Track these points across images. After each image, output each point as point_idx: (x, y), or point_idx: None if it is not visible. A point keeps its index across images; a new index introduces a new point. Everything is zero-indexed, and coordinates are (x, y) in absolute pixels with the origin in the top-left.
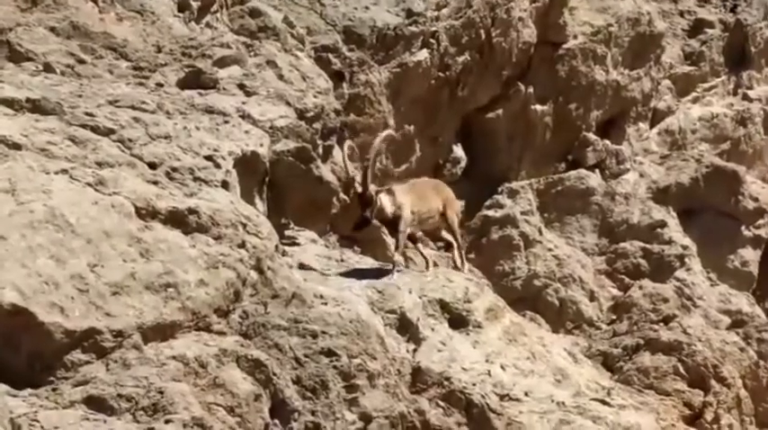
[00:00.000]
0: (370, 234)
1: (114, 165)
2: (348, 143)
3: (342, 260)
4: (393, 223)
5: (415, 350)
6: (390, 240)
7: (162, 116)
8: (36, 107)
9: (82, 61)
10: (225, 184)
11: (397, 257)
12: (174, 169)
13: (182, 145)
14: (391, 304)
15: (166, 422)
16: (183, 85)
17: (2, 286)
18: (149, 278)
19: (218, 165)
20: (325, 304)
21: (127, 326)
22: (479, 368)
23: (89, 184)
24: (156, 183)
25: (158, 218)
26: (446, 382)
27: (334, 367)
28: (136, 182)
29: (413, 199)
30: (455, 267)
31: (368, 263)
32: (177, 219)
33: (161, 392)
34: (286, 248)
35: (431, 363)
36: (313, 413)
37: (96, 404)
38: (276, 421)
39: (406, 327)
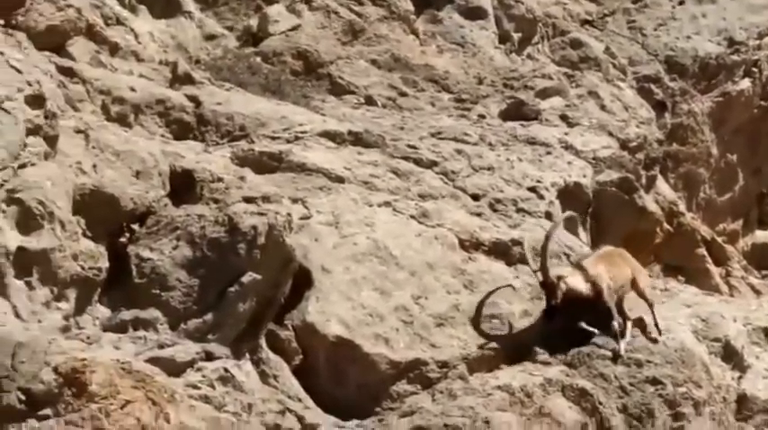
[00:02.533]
0: (695, 262)
1: (437, 197)
2: (527, 238)
3: (666, 289)
4: (594, 300)
5: (740, 378)
6: (715, 269)
7: (485, 148)
8: (358, 140)
9: (404, 94)
10: (548, 215)
11: (616, 324)
12: (498, 200)
13: (504, 176)
14: (715, 332)
15: None
16: (506, 116)
17: (327, 318)
18: (473, 310)
19: (541, 197)
20: (650, 333)
21: (452, 357)
22: None
23: (412, 216)
24: (479, 214)
25: (482, 249)
26: None
27: (660, 395)
28: (459, 213)
29: (606, 267)
30: (649, 338)
31: (691, 292)
32: (501, 251)
33: (487, 422)
34: None
35: (756, 391)
36: None
37: None
38: None
39: (730, 355)
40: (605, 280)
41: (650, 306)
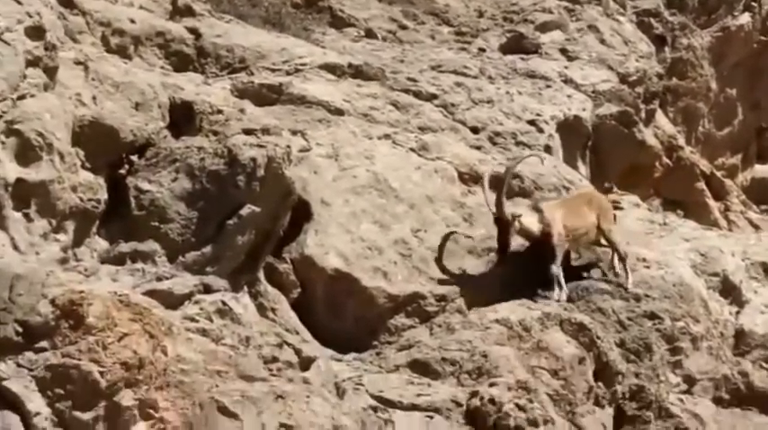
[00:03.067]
0: (694, 196)
1: (437, 130)
2: (488, 173)
3: (665, 224)
4: (543, 242)
5: (737, 312)
6: (714, 203)
7: (484, 81)
8: (358, 72)
9: (404, 27)
10: (548, 149)
11: (554, 269)
12: (497, 134)
13: (504, 109)
14: (714, 267)
15: (491, 385)
16: (506, 49)
17: (326, 251)
18: (472, 242)
19: (540, 130)
20: (648, 267)
21: (450, 290)
22: None
23: (412, 149)
24: (478, 147)
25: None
26: None
27: (658, 330)
28: (459, 146)
29: (564, 214)
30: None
31: (690, 226)
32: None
33: (485, 356)
34: None
35: (754, 326)
36: (637, 375)
37: (421, 368)
38: (600, 384)
39: (728, 290)
40: (558, 226)
41: (616, 250)
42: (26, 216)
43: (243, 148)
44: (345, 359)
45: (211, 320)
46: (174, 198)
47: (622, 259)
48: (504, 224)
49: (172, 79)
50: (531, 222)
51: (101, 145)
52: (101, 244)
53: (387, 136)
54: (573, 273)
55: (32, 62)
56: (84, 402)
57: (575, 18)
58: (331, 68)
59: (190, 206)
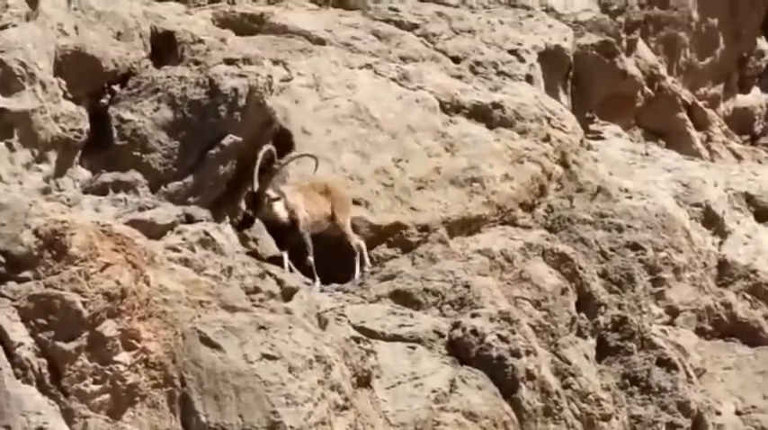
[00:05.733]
0: (676, 126)
1: (418, 60)
2: (266, 147)
3: (647, 154)
4: (291, 228)
5: (720, 243)
6: (695, 133)
7: (465, 10)
8: (339, 2)
9: None
10: (529, 78)
11: (311, 259)
12: (478, 63)
13: (485, 39)
14: (696, 197)
15: (473, 316)
16: None
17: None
18: (454, 172)
19: (521, 59)
20: (631, 198)
21: (432, 220)
22: None
23: (393, 79)
24: (460, 77)
25: (462, 112)
26: (752, 275)
27: (640, 260)
28: (440, 76)
29: (304, 199)
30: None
31: (673, 156)
32: (481, 114)
33: (467, 286)
34: (591, 142)
35: (737, 256)
36: (619, 307)
37: (402, 298)
38: (582, 315)
39: (711, 221)
40: (303, 211)
41: (349, 243)
42: (8, 146)
43: (224, 78)
44: (328, 289)
45: (194, 250)
46: (156, 127)
47: (355, 253)
48: (258, 198)
49: (153, 9)
50: (280, 208)
51: (83, 75)
52: (83, 174)
53: (368, 65)
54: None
55: None
56: (66, 332)
57: None
58: None
59: (171, 136)
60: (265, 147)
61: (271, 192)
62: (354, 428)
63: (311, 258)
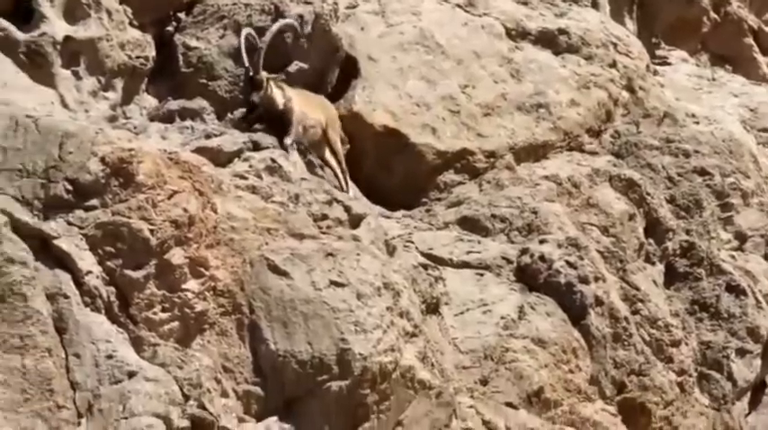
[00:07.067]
0: (742, 51)
1: None
2: (246, 31)
3: (713, 79)
4: (283, 117)
5: None
6: (762, 58)
7: None
8: None
9: None
10: (595, 4)
11: (290, 140)
12: None
13: None
14: (764, 122)
15: (541, 242)
16: None
17: (374, 108)
18: (520, 98)
19: None
20: (698, 123)
21: (499, 146)
22: None
23: (459, 5)
24: (525, 3)
25: (528, 38)
26: None
27: (708, 186)
28: (505, 2)
29: (301, 101)
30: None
31: (739, 81)
32: (547, 40)
33: (535, 212)
34: (657, 68)
35: None
36: (687, 232)
37: (470, 224)
38: (650, 240)
39: None
40: (299, 106)
41: (338, 162)
42: (75, 74)
43: (290, 5)
44: (394, 216)
45: (261, 177)
46: (222, 55)
47: (344, 171)
48: (256, 84)
49: None
50: (278, 94)
51: (148, 2)
52: (149, 101)
53: None
54: None
55: None
56: (134, 260)
57: None
58: None
59: (237, 63)
60: (244, 31)
61: (267, 74)
62: (424, 355)
63: (290, 140)
